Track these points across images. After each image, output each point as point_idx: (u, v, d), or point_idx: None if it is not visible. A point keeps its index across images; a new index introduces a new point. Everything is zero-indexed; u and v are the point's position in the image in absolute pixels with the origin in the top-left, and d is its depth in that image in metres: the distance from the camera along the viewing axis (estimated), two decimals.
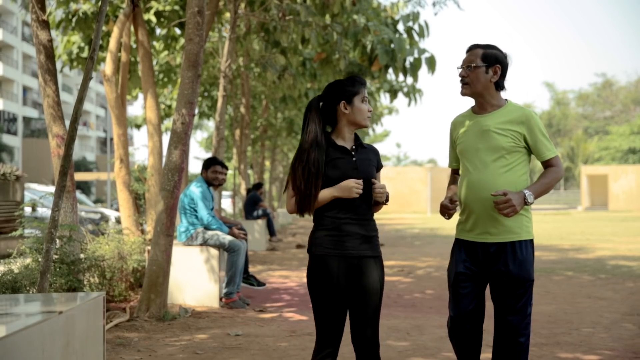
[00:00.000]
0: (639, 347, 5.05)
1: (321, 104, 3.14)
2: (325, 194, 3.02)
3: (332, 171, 3.04)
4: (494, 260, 3.28)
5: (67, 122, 5.01)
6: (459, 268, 3.36)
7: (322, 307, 3.03)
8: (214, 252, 6.93)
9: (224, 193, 25.57)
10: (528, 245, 3.29)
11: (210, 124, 33.05)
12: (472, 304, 3.32)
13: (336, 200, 3.03)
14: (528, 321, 3.29)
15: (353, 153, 3.10)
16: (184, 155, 6.05)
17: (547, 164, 3.31)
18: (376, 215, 3.21)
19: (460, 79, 3.35)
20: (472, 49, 3.34)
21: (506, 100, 3.37)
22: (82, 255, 6.32)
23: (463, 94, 3.36)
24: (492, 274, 3.29)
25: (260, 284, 7.54)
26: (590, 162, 59.19)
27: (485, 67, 3.29)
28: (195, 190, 6.90)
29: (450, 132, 3.51)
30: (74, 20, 9.53)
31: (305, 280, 3.17)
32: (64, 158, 4.18)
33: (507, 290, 3.27)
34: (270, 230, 15.52)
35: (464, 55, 3.39)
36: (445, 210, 3.39)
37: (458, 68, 3.36)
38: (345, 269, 3.03)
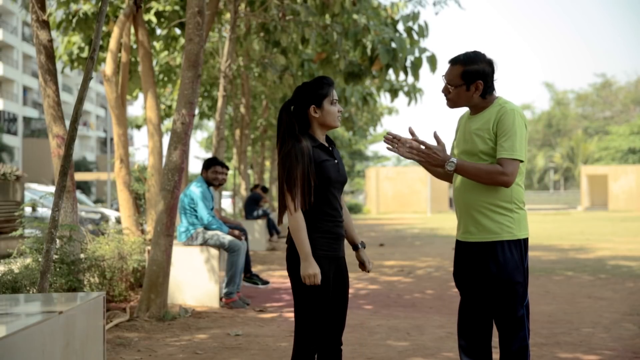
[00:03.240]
0: (639, 347, 5.05)
1: (292, 107, 3.12)
2: (305, 244, 2.96)
3: (322, 173, 3.03)
4: (476, 260, 3.23)
5: (67, 122, 5.01)
6: (455, 268, 3.39)
7: (317, 308, 3.03)
8: (214, 252, 6.94)
9: (224, 193, 25.54)
10: (512, 246, 3.16)
11: (210, 124, 33.05)
12: (473, 303, 3.31)
13: (325, 204, 3.04)
14: (521, 324, 3.17)
15: (334, 155, 3.14)
16: (184, 155, 6.05)
17: (499, 163, 3.10)
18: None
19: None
20: (453, 64, 3.21)
21: (497, 98, 3.23)
22: (82, 255, 6.32)
23: (448, 106, 3.29)
24: (476, 275, 3.25)
25: (264, 282, 7.57)
26: (590, 162, 59.14)
27: (466, 86, 3.18)
28: (195, 190, 6.90)
29: (455, 129, 3.47)
30: (74, 20, 9.54)
31: None
32: (64, 158, 4.18)
33: (490, 292, 3.21)
34: (270, 230, 15.50)
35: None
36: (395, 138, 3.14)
37: (442, 77, 3.26)
38: (335, 269, 3.11)
